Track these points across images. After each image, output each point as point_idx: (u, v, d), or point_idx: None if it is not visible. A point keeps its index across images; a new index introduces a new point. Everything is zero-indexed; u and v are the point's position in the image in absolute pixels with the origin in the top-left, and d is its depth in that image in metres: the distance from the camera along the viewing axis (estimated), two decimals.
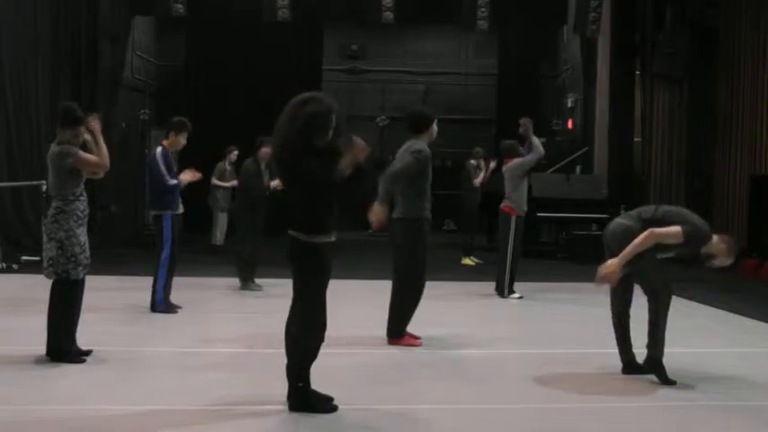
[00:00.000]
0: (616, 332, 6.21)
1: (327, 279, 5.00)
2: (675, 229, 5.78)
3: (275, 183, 9.36)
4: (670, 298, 5.98)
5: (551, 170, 16.03)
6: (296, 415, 4.91)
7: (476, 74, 21.48)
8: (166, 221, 8.11)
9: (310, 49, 19.18)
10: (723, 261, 6.04)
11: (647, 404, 5.52)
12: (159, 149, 8.19)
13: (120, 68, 16.43)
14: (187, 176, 8.29)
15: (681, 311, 9.03)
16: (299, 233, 4.92)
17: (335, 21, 18.65)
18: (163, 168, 8.08)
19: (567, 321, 8.60)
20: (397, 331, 7.07)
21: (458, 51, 21.48)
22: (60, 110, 6.27)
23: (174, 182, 8.12)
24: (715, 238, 5.95)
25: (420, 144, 7.08)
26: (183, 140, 8.30)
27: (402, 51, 21.16)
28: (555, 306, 9.59)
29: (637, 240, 5.78)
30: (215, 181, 13.52)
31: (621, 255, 5.80)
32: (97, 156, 6.12)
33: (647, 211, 6.15)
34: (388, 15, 15.35)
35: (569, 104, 18.38)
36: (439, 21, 18.50)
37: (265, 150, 9.49)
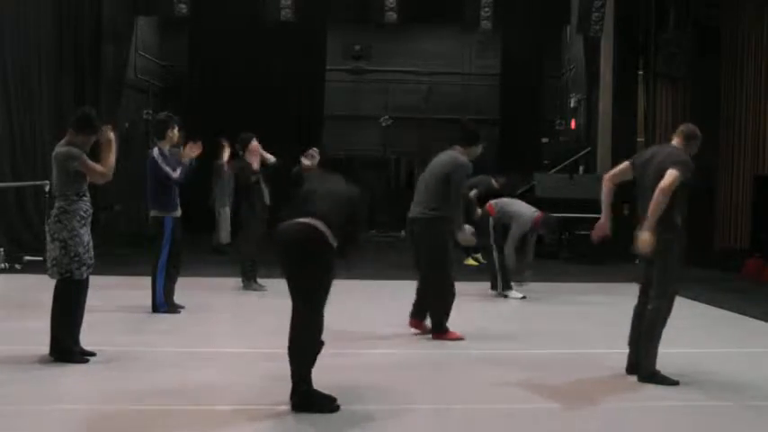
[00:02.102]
0: (632, 332, 6.17)
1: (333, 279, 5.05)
2: (672, 173, 5.84)
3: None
4: (672, 305, 5.97)
5: (554, 170, 16.03)
6: (298, 415, 4.92)
7: (479, 74, 21.48)
8: (167, 224, 8.12)
9: (313, 50, 19.19)
10: (694, 150, 6.18)
11: (650, 404, 5.52)
12: (155, 150, 8.17)
13: (123, 69, 16.43)
14: (190, 151, 8.21)
15: (683, 311, 9.01)
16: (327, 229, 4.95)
17: (339, 21, 18.63)
18: (164, 166, 8.08)
19: (569, 321, 8.60)
20: (438, 328, 7.29)
21: (461, 51, 21.47)
22: (79, 114, 6.22)
23: (178, 174, 8.10)
24: (677, 139, 6.14)
25: (463, 157, 7.39)
26: (175, 133, 8.29)
27: (405, 51, 21.16)
28: (557, 306, 9.59)
29: (653, 206, 5.83)
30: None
31: (648, 224, 5.84)
32: (103, 165, 6.10)
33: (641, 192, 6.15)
34: (392, 15, 15.34)
35: (572, 104, 18.37)
36: (442, 21, 18.50)
37: (255, 145, 9.75)
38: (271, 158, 9.85)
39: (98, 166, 6.08)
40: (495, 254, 9.93)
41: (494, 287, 10.02)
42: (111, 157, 6.13)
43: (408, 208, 7.57)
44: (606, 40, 16.11)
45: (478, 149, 7.57)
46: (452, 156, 7.36)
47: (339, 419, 4.90)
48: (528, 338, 7.63)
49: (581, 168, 16.62)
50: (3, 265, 11.03)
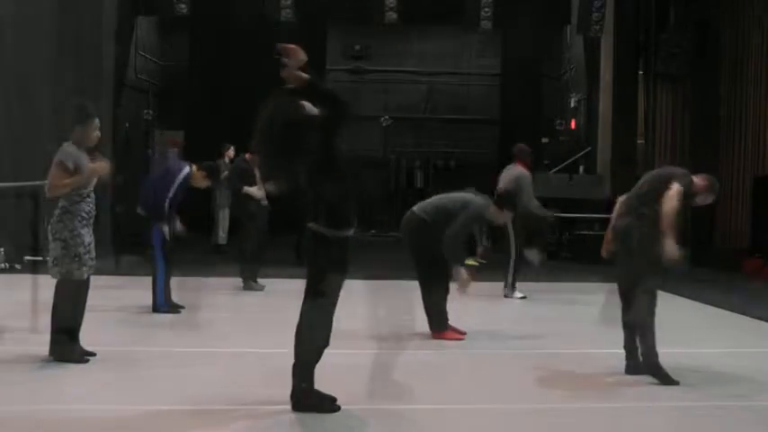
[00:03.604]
0: (625, 332, 6.19)
1: (344, 277, 4.99)
2: (677, 188, 5.86)
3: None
4: (655, 304, 5.98)
5: (554, 170, 16.03)
6: (298, 415, 4.91)
7: (479, 74, 21.47)
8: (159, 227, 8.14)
9: (314, 50, 18.87)
10: (705, 198, 6.17)
11: (650, 404, 5.52)
12: (187, 170, 8.19)
13: (123, 69, 16.44)
14: (181, 227, 8.24)
15: (684, 311, 9.04)
16: (322, 227, 4.88)
17: (339, 21, 18.66)
18: (175, 186, 8.06)
19: (569, 321, 8.61)
20: (439, 326, 7.28)
21: (461, 51, 21.46)
22: (75, 107, 6.24)
23: (166, 205, 8.06)
24: (694, 178, 6.12)
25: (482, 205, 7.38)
26: (202, 183, 8.35)
27: (405, 51, 21.16)
28: (557, 306, 9.60)
29: (667, 208, 5.79)
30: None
31: (667, 230, 5.79)
32: (66, 180, 5.92)
33: (631, 196, 6.17)
34: (392, 15, 15.35)
35: (572, 104, 18.36)
36: (442, 21, 18.49)
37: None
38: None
39: (52, 182, 5.92)
40: (512, 253, 9.87)
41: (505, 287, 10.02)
42: (68, 183, 5.91)
43: (408, 207, 7.58)
44: (606, 40, 16.12)
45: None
46: (479, 205, 7.32)
47: (339, 419, 4.90)
48: (528, 338, 7.63)
49: (581, 168, 16.62)
50: (3, 265, 11.02)
